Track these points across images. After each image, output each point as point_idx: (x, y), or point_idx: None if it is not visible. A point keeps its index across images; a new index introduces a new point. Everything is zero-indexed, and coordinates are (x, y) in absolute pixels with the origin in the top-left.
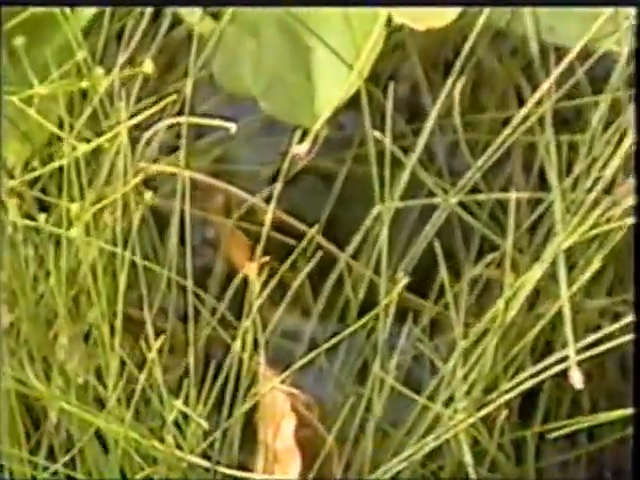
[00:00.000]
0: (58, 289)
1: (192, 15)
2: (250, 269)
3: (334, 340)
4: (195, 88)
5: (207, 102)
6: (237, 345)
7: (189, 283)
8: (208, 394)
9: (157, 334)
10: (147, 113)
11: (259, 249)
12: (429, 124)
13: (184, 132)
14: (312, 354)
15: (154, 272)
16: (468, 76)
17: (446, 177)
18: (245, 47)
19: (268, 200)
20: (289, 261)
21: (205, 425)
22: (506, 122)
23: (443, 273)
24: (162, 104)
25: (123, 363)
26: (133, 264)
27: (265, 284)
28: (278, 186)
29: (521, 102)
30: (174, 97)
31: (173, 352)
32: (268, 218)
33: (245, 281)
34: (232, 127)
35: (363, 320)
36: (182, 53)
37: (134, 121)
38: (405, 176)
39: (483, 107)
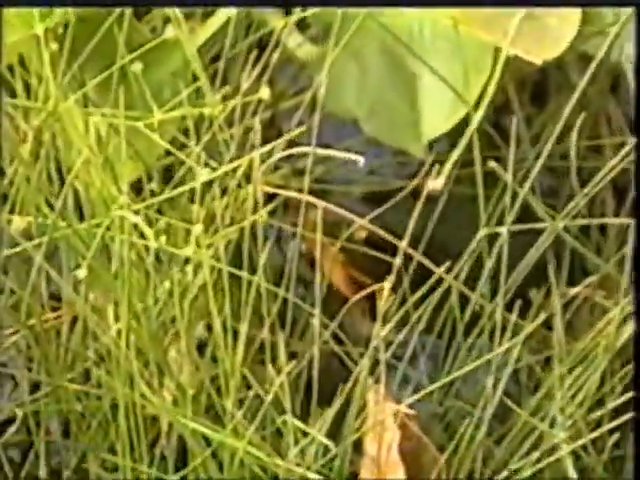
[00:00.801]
0: (179, 302)
1: (294, 40)
2: (379, 295)
3: (472, 365)
4: (292, 110)
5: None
6: (363, 365)
7: (317, 311)
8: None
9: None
10: (277, 142)
11: (389, 279)
12: (544, 154)
13: (309, 162)
14: (449, 377)
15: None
16: (562, 100)
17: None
18: (348, 71)
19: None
20: (419, 293)
21: (333, 447)
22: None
23: (555, 293)
24: (292, 134)
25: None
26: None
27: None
28: (417, 205)
29: (610, 125)
30: (303, 128)
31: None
32: (401, 248)
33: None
34: (360, 160)
35: (498, 351)
36: (279, 76)
37: (266, 149)
38: (517, 204)
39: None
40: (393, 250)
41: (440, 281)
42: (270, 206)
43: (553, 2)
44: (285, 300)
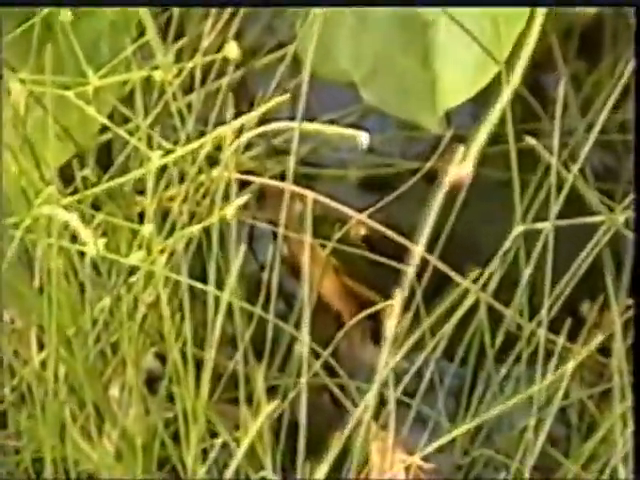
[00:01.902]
0: (124, 324)
1: None
2: (385, 312)
3: (507, 401)
4: (267, 70)
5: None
6: (365, 406)
7: (304, 334)
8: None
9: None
10: (251, 115)
11: (399, 292)
12: (598, 125)
13: (295, 139)
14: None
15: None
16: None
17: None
18: (342, 22)
19: (362, 211)
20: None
21: None
22: None
23: (613, 307)
24: (273, 102)
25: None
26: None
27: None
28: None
29: None
30: (287, 96)
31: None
32: (417, 252)
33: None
34: (363, 138)
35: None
36: (250, 25)
37: (236, 123)
38: (564, 192)
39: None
40: (400, 252)
41: (464, 293)
42: (241, 198)
43: (553, 2)
44: (262, 320)
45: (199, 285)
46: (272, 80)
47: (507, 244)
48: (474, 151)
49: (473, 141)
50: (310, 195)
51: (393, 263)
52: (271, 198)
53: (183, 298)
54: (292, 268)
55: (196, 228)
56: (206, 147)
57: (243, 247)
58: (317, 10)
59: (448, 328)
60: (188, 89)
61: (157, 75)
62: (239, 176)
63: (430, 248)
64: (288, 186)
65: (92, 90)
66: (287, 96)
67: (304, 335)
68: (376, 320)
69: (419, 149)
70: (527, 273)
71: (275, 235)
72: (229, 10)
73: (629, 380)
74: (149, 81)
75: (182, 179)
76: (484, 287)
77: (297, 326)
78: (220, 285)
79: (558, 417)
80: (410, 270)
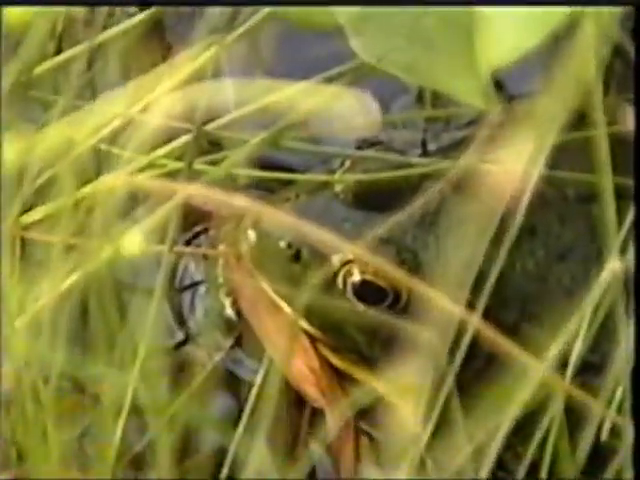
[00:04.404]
0: None
1: None
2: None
3: None
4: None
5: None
6: None
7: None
8: None
9: None
10: (179, 73)
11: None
12: None
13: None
14: None
15: None
16: None
17: None
18: None
19: (354, 240)
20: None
21: None
22: None
23: None
24: (205, 57)
25: None
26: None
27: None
28: None
29: None
30: (226, 44)
31: None
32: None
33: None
34: (372, 108)
35: None
36: None
37: (143, 92)
38: None
39: None
40: (417, 308)
41: (522, 371)
42: (151, 220)
43: (552, 1)
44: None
45: (85, 366)
46: (202, 22)
47: (596, 292)
48: (547, 140)
49: (540, 122)
50: (269, 215)
51: (407, 326)
52: (205, 221)
53: (58, 387)
54: (241, 337)
55: (77, 271)
56: (92, 135)
57: (158, 302)
58: None
59: (500, 434)
60: (63, 38)
61: (11, 16)
62: (146, 183)
63: (471, 303)
64: (234, 200)
65: None
66: (226, 43)
67: (260, 448)
68: (379, 423)
69: (449, 137)
70: (630, 335)
71: (212, 282)
72: None
73: None
74: None
75: (53, 189)
76: (561, 368)
77: (250, 432)
78: (121, 366)
79: None
80: (433, 338)
